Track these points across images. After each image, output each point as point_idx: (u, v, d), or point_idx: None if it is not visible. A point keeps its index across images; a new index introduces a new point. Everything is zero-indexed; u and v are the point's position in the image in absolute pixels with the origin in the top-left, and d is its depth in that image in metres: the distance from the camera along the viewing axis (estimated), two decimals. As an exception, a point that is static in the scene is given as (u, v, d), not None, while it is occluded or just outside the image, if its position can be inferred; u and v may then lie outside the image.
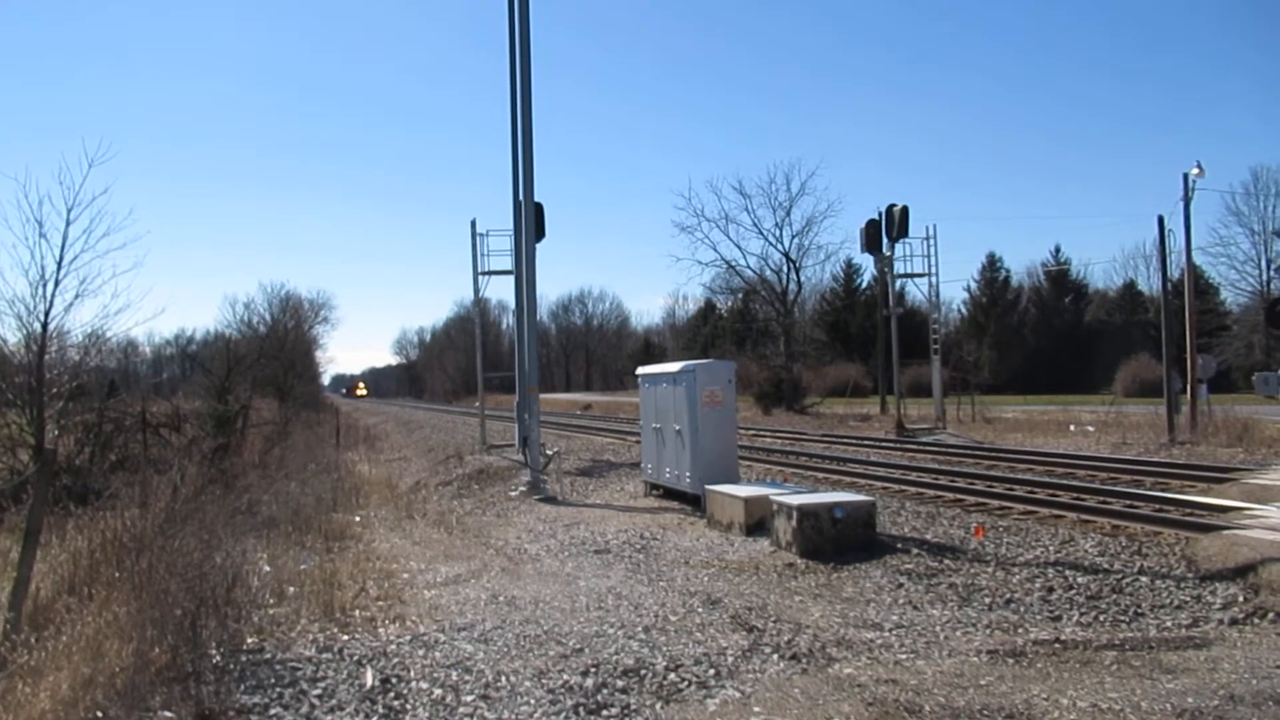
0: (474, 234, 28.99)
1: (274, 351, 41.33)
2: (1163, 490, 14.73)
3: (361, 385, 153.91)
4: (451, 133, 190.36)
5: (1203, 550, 9.71)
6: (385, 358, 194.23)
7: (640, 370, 17.21)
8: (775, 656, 6.63)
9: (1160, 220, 25.70)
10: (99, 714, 5.37)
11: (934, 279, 35.30)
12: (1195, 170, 25.73)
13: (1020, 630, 7.32)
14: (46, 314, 15.31)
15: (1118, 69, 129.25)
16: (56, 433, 16.00)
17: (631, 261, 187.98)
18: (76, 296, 15.60)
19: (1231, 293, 64.75)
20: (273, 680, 6.15)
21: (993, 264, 75.51)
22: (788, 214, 52.24)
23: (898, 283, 37.25)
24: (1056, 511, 12.78)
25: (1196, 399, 25.74)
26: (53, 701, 5.35)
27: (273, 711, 5.62)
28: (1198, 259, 41.04)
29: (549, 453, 19.42)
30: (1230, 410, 25.42)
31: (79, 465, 16.28)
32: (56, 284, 15.21)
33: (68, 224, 14.96)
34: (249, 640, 7.02)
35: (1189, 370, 26.19)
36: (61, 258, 15.08)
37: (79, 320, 17.03)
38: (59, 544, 8.82)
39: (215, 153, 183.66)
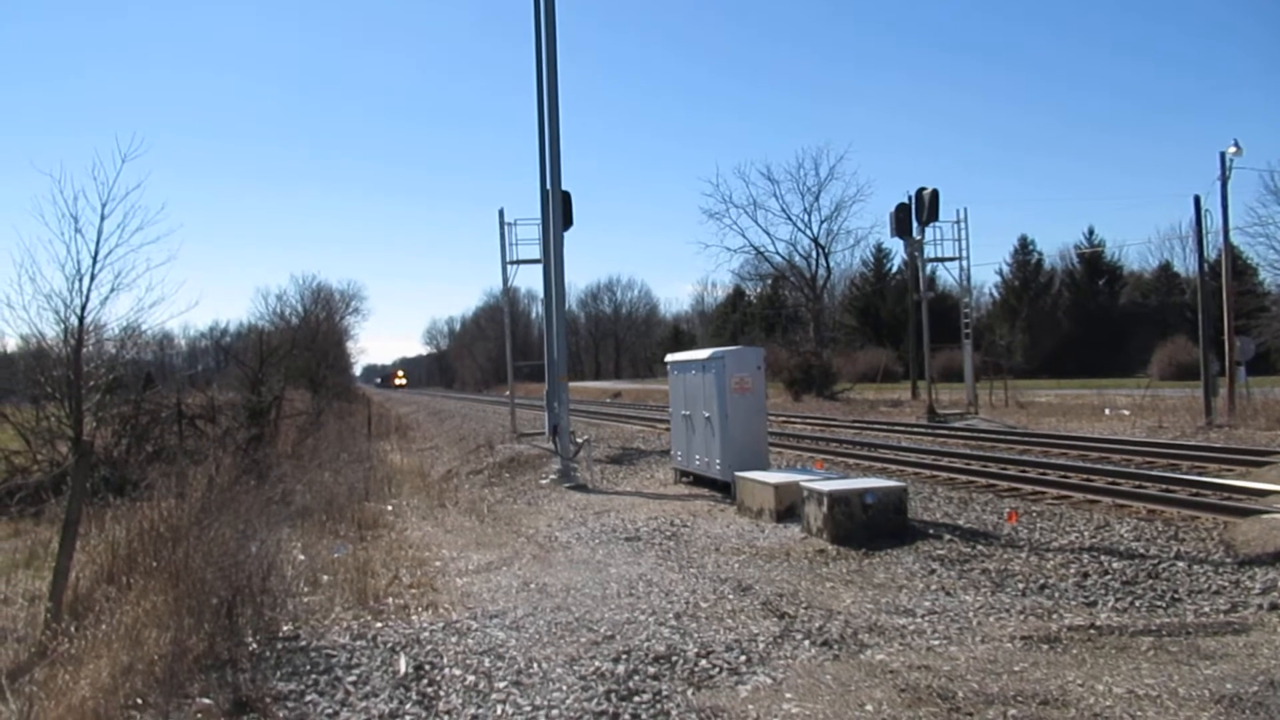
0: (502, 223, 29.09)
1: (306, 342, 41.69)
2: (1200, 474, 14.53)
3: (400, 374, 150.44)
4: (479, 124, 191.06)
5: (1241, 534, 9.57)
6: (416, 348, 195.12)
7: (669, 357, 17.19)
8: (807, 643, 6.61)
9: (1197, 200, 25.29)
10: (138, 701, 5.46)
11: (965, 263, 34.97)
12: (1233, 149, 25.28)
13: (1055, 616, 7.26)
14: (83, 308, 15.56)
15: (1151, 50, 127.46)
16: (94, 425, 16.25)
17: (660, 249, 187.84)
18: (112, 290, 15.85)
19: (1270, 273, 63.20)
20: (308, 667, 6.22)
21: (1025, 247, 74.63)
22: (816, 199, 52.26)
23: (928, 267, 36.94)
24: (1091, 496, 12.65)
25: (1234, 381, 25.33)
26: (93, 689, 5.44)
27: (308, 698, 5.68)
28: (1235, 239, 40.23)
29: (579, 441, 19.47)
30: (1269, 393, 25.05)
31: (116, 457, 16.53)
32: (92, 278, 15.45)
33: (102, 219, 15.19)
34: (284, 628, 7.10)
35: (1227, 352, 25.77)
36: (97, 252, 15.32)
37: (115, 314, 17.32)
38: (97, 534, 8.95)
39: (245, 147, 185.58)
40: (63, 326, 15.90)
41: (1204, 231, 26.17)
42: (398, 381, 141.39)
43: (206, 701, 5.47)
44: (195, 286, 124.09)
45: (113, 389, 17.11)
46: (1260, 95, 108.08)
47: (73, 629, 6.35)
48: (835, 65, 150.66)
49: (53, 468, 15.20)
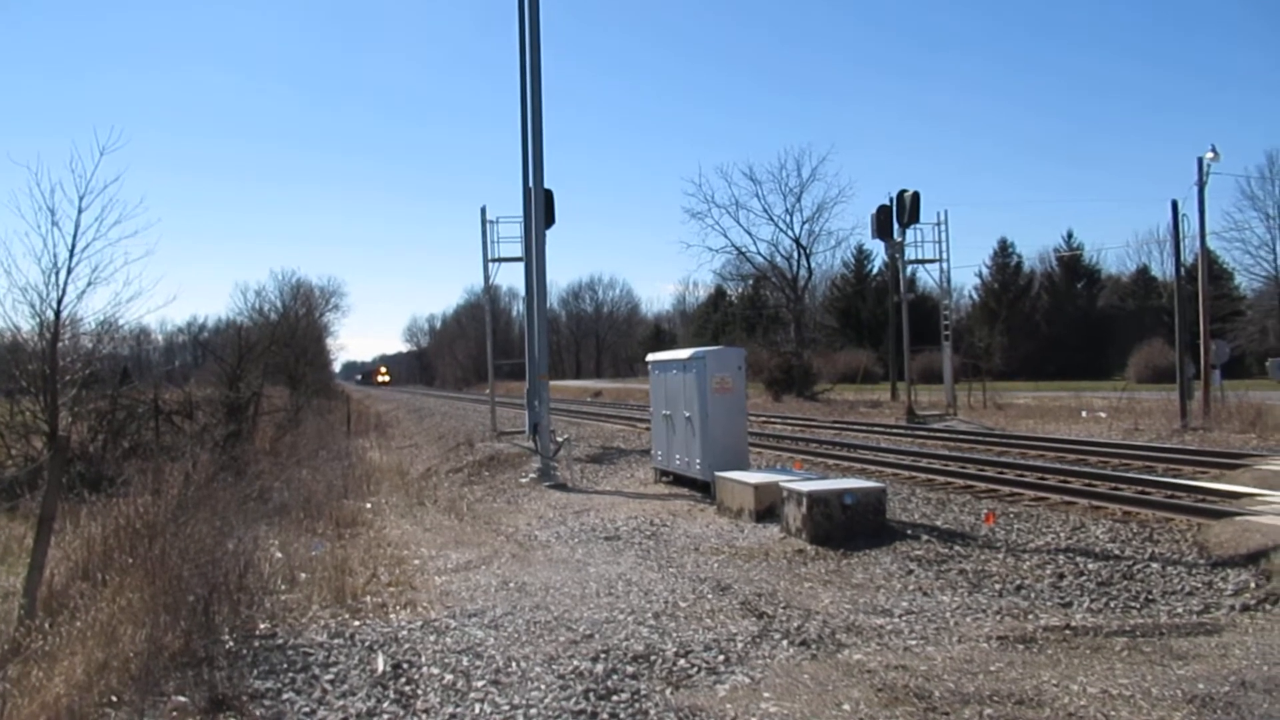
0: (484, 221, 28.99)
1: (285, 339, 41.41)
2: (1175, 476, 14.66)
3: (384, 370, 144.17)
4: (461, 120, 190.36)
5: (1215, 536, 9.67)
6: (396, 345, 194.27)
7: (650, 357, 17.21)
8: (785, 643, 6.64)
9: (1174, 205, 25.48)
10: (113, 698, 5.42)
11: (945, 265, 35.23)
12: (1210, 154, 25.50)
13: (1031, 616, 7.32)
14: (59, 301, 15.37)
15: (1131, 51, 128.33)
16: (70, 420, 16.10)
17: (642, 248, 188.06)
18: (89, 284, 15.63)
19: (1245, 278, 64.43)
20: (285, 665, 6.19)
21: (1005, 249, 75.13)
22: (798, 200, 52.24)
23: (909, 269, 37.14)
24: (1068, 498, 12.73)
25: (1209, 385, 25.59)
26: (67, 686, 5.40)
27: (285, 696, 5.66)
28: (1211, 244, 40.77)
29: (559, 440, 19.45)
30: (1244, 396, 25.28)
31: (92, 452, 16.41)
32: (69, 272, 15.25)
33: (80, 212, 14.98)
34: (261, 626, 7.07)
35: (1202, 356, 26.03)
36: (74, 245, 15.11)
37: (92, 308, 17.17)
38: (73, 530, 8.88)
39: (225, 142, 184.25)
40: (38, 320, 15.72)
41: (1181, 236, 26.41)
42: (381, 378, 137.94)
43: (182, 699, 5.44)
44: (174, 281, 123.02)
45: (89, 384, 16.96)
46: (1243, 99, 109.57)
47: (47, 625, 6.31)
48: (818, 65, 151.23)
49: (27, 463, 15.07)
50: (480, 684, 5.85)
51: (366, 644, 6.71)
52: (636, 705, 5.45)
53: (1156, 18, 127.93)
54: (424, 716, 5.38)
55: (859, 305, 74.32)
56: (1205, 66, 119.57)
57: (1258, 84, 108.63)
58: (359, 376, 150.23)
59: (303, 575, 8.75)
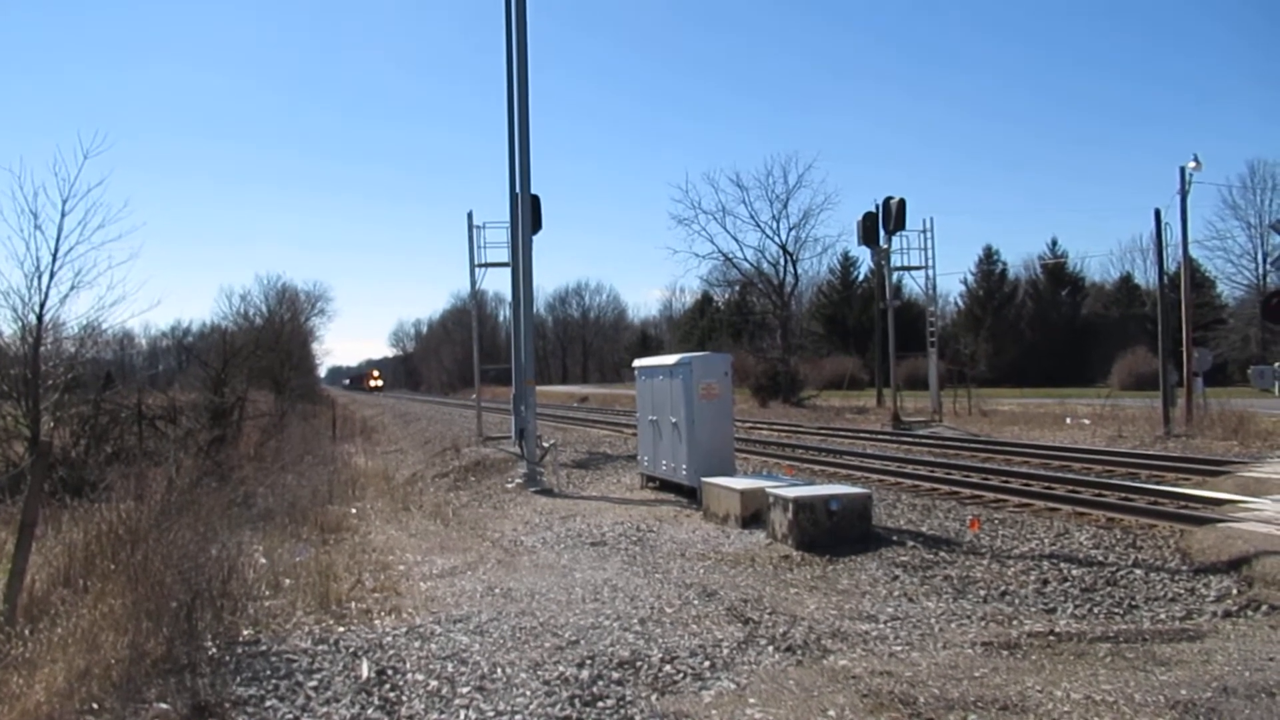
0: (470, 226, 28.98)
1: (270, 343, 41.22)
2: (1158, 483, 14.76)
3: (376, 374, 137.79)
4: (449, 125, 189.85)
5: (1197, 543, 9.74)
6: (382, 350, 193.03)
7: (637, 362, 17.21)
8: (770, 648, 6.64)
9: (1157, 214, 25.68)
10: (94, 706, 5.38)
11: (931, 272, 35.32)
12: (1192, 164, 25.69)
13: (1015, 622, 7.34)
14: (42, 306, 15.29)
15: (1116, 62, 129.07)
16: (52, 424, 15.99)
17: (629, 254, 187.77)
18: (72, 288, 15.57)
19: (1228, 286, 64.91)
20: (268, 672, 6.15)
21: (989, 257, 75.41)
22: (785, 206, 52.41)
23: (894, 276, 37.22)
24: (1052, 504, 12.80)
25: (1192, 392, 25.76)
26: (48, 694, 5.35)
27: (268, 703, 5.62)
28: (1194, 252, 41.19)
29: (545, 445, 19.42)
30: (1226, 404, 25.45)
31: (74, 457, 16.27)
32: (52, 275, 15.18)
33: (63, 215, 14.93)
34: (245, 632, 7.02)
35: (1185, 364, 26.20)
36: (57, 249, 15.05)
37: (74, 312, 17.04)
38: (54, 536, 8.81)
39: (211, 145, 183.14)
40: (20, 324, 15.65)
41: (1164, 244, 26.62)
42: (373, 383, 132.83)
43: (164, 707, 5.40)
44: (158, 285, 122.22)
45: (71, 388, 16.85)
46: (1225, 110, 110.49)
47: (28, 632, 6.25)
48: (805, 73, 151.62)
49: (9, 468, 14.92)
50: (465, 690, 5.84)
51: (351, 650, 6.68)
52: (622, 711, 5.45)
53: (1140, 34, 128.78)
54: (408, 723, 5.36)
55: (845, 312, 74.45)
56: (1187, 81, 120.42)
57: (1238, 99, 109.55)
58: (346, 381, 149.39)
59: (287, 581, 8.70)
